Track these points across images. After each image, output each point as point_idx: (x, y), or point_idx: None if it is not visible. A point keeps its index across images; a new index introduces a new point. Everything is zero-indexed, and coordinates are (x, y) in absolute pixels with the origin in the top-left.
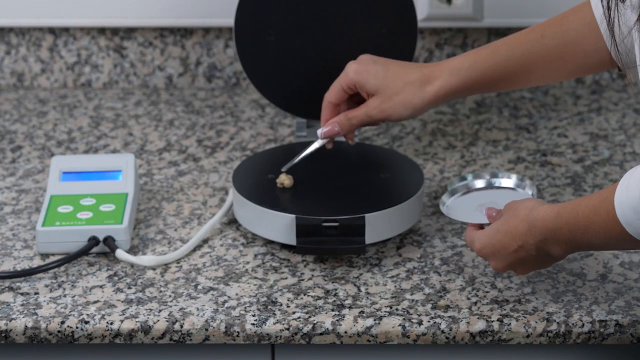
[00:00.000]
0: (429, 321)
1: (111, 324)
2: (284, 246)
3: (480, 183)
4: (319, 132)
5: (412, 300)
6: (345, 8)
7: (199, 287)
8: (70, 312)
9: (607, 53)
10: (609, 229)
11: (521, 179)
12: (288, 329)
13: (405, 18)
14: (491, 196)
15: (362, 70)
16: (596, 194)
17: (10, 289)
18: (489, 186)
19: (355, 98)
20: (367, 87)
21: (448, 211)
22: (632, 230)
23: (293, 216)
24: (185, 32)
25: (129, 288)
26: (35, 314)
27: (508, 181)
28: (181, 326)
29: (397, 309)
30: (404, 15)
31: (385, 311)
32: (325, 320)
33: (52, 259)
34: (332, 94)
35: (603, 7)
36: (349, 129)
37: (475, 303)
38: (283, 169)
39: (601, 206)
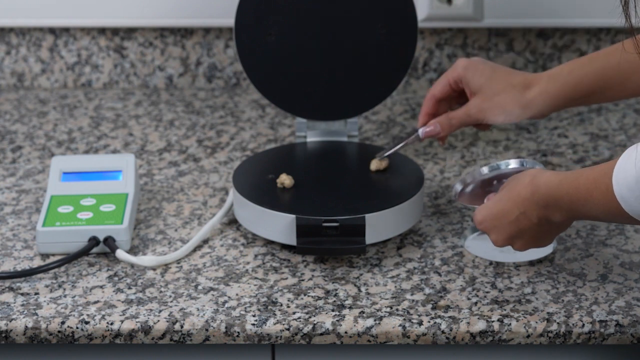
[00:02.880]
0: (429, 321)
1: (111, 324)
2: (284, 246)
3: (485, 169)
4: (420, 131)
5: (413, 300)
6: (345, 8)
7: (199, 287)
8: (70, 312)
9: None
10: (607, 203)
11: (523, 161)
12: (288, 329)
13: (405, 18)
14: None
15: (471, 66)
16: (598, 167)
17: (11, 289)
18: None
19: (455, 100)
20: (471, 84)
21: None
22: (628, 208)
23: (293, 216)
24: (186, 32)
25: (129, 288)
26: (36, 314)
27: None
28: (181, 326)
29: (397, 309)
30: (404, 15)
31: (386, 311)
32: (326, 320)
33: (52, 259)
34: (438, 87)
35: None
36: (449, 130)
37: (476, 303)
38: (378, 156)
39: (601, 180)
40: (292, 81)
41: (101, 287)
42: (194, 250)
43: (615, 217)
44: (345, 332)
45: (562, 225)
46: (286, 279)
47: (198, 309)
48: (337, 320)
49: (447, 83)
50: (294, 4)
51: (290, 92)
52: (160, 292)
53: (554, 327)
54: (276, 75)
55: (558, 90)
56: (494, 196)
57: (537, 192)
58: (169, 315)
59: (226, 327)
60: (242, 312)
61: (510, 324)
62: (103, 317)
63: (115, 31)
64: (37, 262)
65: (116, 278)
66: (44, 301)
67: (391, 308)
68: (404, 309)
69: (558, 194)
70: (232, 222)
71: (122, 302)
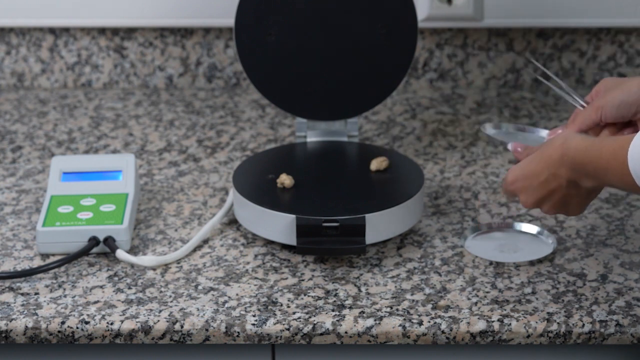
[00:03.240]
0: (429, 321)
1: (111, 324)
2: (284, 246)
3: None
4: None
5: (413, 300)
6: (345, 8)
7: (199, 287)
8: (70, 312)
9: None
10: (624, 176)
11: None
12: (288, 329)
13: (406, 18)
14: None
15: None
16: (619, 139)
17: (11, 289)
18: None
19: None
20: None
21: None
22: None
23: (293, 216)
24: (186, 32)
25: (129, 288)
26: (36, 314)
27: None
28: (181, 326)
29: (397, 309)
30: (404, 15)
31: (386, 311)
32: (326, 320)
33: (52, 259)
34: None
35: None
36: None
37: (476, 303)
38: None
39: (619, 152)
40: (292, 81)
41: (101, 287)
42: (194, 250)
43: (632, 188)
44: (346, 332)
45: (592, 192)
46: (286, 279)
47: (198, 309)
48: (337, 320)
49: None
50: (294, 4)
51: (290, 92)
52: (161, 292)
53: (554, 327)
54: (276, 75)
55: None
56: (527, 157)
57: (567, 155)
58: (169, 315)
59: (226, 327)
60: (242, 312)
61: (510, 324)
62: (103, 317)
63: (115, 31)
64: (37, 262)
65: (116, 278)
66: (44, 301)
67: (391, 308)
68: (404, 309)
69: (584, 160)
70: (232, 222)
71: (122, 302)
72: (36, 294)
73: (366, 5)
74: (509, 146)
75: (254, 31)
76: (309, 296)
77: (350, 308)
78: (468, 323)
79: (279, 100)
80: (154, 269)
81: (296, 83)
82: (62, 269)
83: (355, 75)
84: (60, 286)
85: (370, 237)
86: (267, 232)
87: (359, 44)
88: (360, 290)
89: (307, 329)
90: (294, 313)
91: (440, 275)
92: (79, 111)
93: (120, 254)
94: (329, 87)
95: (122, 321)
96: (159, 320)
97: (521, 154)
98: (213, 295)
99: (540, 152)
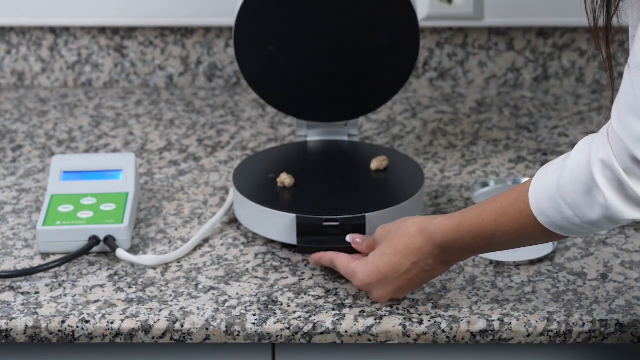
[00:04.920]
0: (429, 320)
1: (112, 323)
2: (284, 245)
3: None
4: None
5: (413, 299)
6: (347, 16)
7: (200, 286)
8: (70, 311)
9: None
10: (520, 226)
11: None
12: (289, 329)
13: (408, 30)
14: None
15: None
16: (502, 197)
17: (11, 288)
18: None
19: None
20: None
21: None
22: (545, 220)
23: (294, 215)
24: (186, 32)
25: (130, 287)
26: (36, 313)
27: None
28: (182, 325)
29: (397, 309)
30: (406, 26)
31: (386, 310)
32: (326, 319)
33: (52, 258)
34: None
35: None
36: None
37: (476, 302)
38: None
39: (512, 206)
40: (293, 88)
41: (101, 286)
42: (195, 249)
43: (526, 239)
44: (346, 331)
45: (453, 264)
46: (286, 278)
47: (198, 308)
48: (338, 320)
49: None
50: (294, 14)
51: (291, 99)
52: (161, 291)
53: (554, 326)
54: (278, 84)
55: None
56: (375, 252)
57: (432, 241)
58: (169, 315)
59: (226, 327)
60: (243, 311)
61: (510, 323)
62: (103, 316)
63: (115, 30)
64: (38, 261)
65: (116, 277)
66: (45, 300)
67: (391, 307)
68: (404, 308)
69: (458, 236)
70: (232, 221)
71: (123, 301)
72: (36, 293)
73: (368, 12)
74: (348, 238)
75: (254, 41)
76: (309, 295)
77: (351, 307)
78: (468, 322)
79: (281, 106)
80: (154, 268)
81: (296, 88)
82: (63, 268)
83: (357, 82)
84: (60, 285)
85: None
86: (267, 231)
87: (361, 52)
88: (360, 290)
89: (308, 328)
90: (294, 312)
91: None
92: (79, 110)
93: (121, 253)
94: (331, 92)
95: (122, 320)
96: (159, 320)
97: (360, 245)
98: (213, 294)
99: (393, 246)
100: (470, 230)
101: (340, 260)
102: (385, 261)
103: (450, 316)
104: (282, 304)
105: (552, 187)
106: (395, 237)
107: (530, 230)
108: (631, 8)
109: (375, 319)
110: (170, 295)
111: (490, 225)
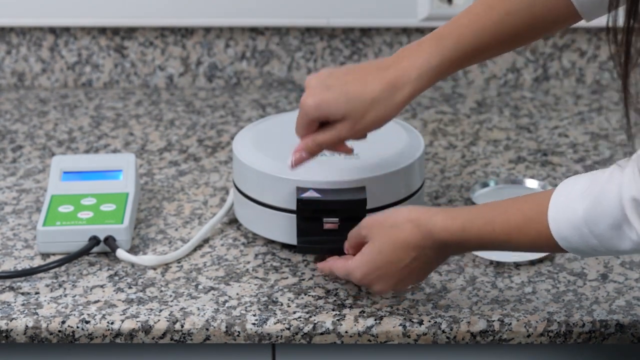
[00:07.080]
0: (429, 321)
1: (112, 323)
2: (284, 246)
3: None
4: (288, 162)
5: (413, 300)
6: None
7: (200, 286)
8: (70, 311)
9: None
10: (536, 244)
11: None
12: (289, 329)
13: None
14: None
15: (321, 103)
16: (515, 210)
17: (11, 288)
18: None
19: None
20: (332, 118)
21: None
22: (566, 244)
23: (294, 216)
24: (186, 32)
25: (130, 288)
26: (36, 313)
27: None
28: (182, 326)
29: (397, 309)
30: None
31: (386, 311)
32: (326, 320)
33: (52, 258)
34: (302, 130)
35: None
36: (318, 153)
37: (476, 303)
38: None
39: (528, 226)
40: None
41: (101, 286)
42: (195, 249)
43: (537, 251)
44: (346, 332)
45: (443, 261)
46: (287, 278)
47: (198, 309)
48: (338, 320)
49: (307, 125)
50: None
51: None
52: (161, 291)
53: (555, 326)
54: None
55: (430, 84)
56: (366, 251)
57: (432, 237)
58: (169, 315)
59: (226, 327)
60: (243, 312)
61: (510, 323)
62: (103, 316)
63: (115, 31)
64: (38, 262)
65: (116, 277)
66: (45, 301)
67: (391, 307)
68: (404, 308)
69: (464, 238)
70: (232, 221)
71: (123, 301)
72: (36, 293)
73: None
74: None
75: None
76: (309, 295)
77: (351, 307)
78: (468, 322)
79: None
80: (154, 268)
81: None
82: (63, 268)
83: None
84: (60, 286)
85: None
86: (267, 231)
87: None
88: (360, 290)
89: (308, 328)
90: (294, 312)
91: (440, 274)
92: (79, 111)
93: (121, 253)
94: None
95: (122, 321)
96: (159, 320)
97: (349, 250)
98: (213, 294)
99: (388, 243)
100: (477, 236)
101: (337, 267)
102: (384, 259)
103: (450, 316)
104: (282, 305)
105: (577, 217)
106: (391, 232)
107: (546, 248)
108: None
109: (375, 320)
110: (171, 296)
111: (503, 237)
